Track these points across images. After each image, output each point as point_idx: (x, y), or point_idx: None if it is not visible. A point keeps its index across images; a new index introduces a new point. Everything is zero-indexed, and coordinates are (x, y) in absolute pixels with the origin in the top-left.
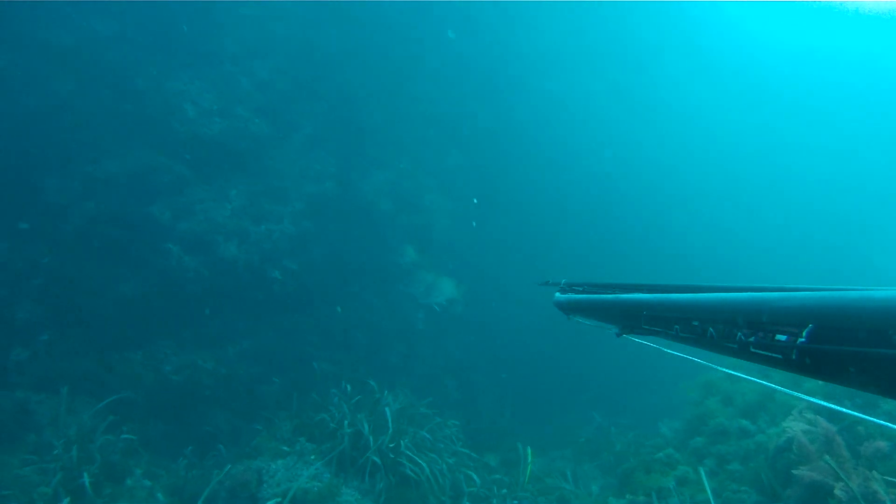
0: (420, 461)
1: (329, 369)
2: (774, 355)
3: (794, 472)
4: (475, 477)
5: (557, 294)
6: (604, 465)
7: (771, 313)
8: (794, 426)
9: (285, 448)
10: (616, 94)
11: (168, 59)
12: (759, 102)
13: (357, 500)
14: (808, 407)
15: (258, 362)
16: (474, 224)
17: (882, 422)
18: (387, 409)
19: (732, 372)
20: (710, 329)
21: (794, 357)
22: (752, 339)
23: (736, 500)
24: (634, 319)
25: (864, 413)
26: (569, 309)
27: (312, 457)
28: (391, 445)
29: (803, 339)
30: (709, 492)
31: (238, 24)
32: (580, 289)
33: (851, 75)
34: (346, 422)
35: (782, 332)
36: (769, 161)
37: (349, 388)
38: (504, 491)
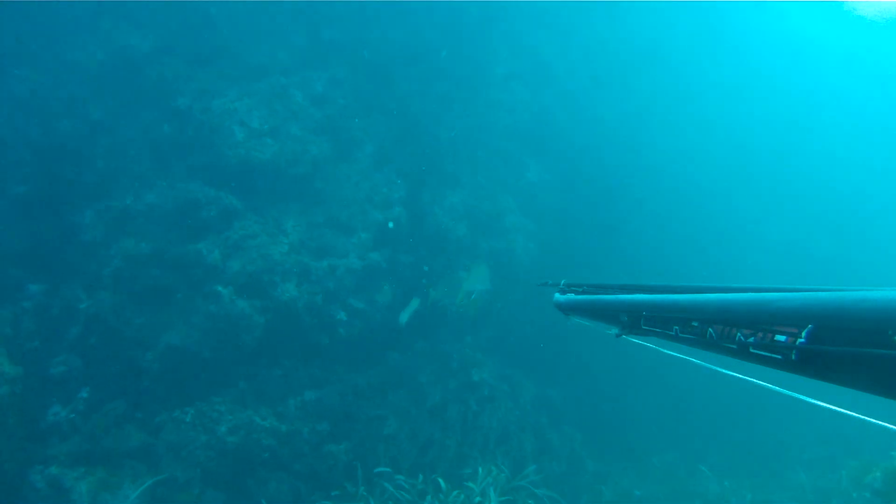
0: None
1: (402, 430)
2: (774, 356)
3: None
4: None
5: (557, 295)
6: None
7: (770, 314)
8: None
9: None
10: (724, 96)
11: (212, 74)
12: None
13: None
14: None
15: (323, 417)
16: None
17: (882, 423)
18: None
19: (732, 373)
20: (710, 329)
21: (793, 357)
22: (751, 339)
23: None
24: (634, 320)
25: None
26: (568, 310)
27: None
28: None
29: (803, 340)
30: None
31: (287, 30)
32: (579, 289)
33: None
34: None
35: (782, 333)
36: (780, 161)
37: (442, 483)
38: None
